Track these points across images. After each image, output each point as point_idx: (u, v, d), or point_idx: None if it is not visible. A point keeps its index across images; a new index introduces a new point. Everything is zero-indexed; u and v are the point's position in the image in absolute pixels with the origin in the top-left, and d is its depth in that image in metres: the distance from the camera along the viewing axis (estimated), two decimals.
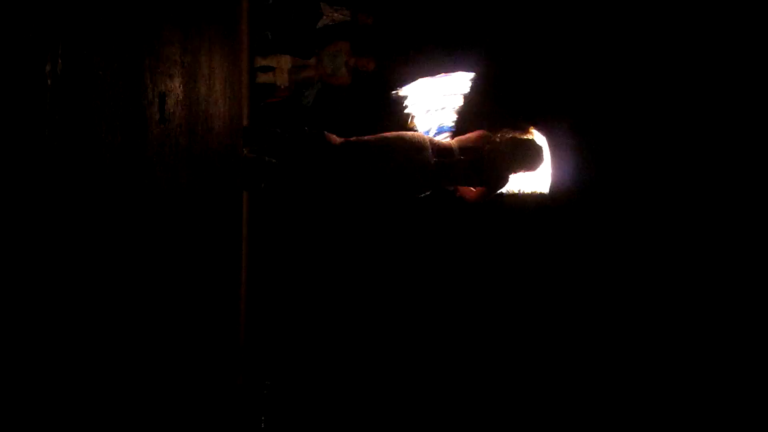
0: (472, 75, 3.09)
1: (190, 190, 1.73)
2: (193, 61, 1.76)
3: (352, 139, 3.05)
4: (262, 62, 4.17)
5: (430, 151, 2.97)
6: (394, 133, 3.03)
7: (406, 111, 3.10)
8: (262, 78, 4.18)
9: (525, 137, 3.03)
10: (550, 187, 3.15)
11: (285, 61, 4.19)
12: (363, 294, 4.99)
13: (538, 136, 3.06)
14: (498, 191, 3.05)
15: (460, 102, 3.08)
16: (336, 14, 4.24)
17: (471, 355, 5.02)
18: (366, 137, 3.04)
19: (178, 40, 1.55)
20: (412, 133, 3.05)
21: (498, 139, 3.01)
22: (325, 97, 4.44)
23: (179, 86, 1.56)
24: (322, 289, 4.94)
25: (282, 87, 4.18)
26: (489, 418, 4.92)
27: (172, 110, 1.42)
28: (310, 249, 4.89)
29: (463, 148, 3.03)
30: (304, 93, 4.29)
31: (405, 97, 3.09)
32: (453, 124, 3.16)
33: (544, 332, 4.96)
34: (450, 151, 3.01)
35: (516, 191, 3.18)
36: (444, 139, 3.09)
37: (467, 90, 3.09)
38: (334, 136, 3.04)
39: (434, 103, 3.12)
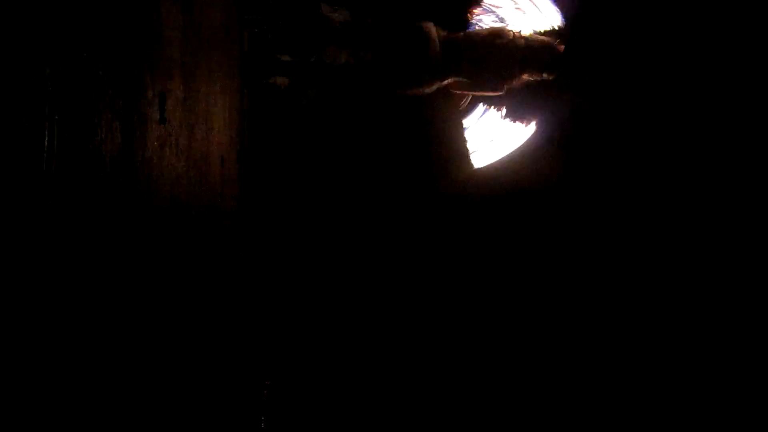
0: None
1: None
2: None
3: None
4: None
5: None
6: None
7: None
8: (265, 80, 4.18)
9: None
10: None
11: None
12: (362, 293, 4.98)
13: None
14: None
15: None
16: (335, 14, 4.23)
17: (470, 354, 5.01)
18: None
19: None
20: None
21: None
22: (326, 97, 4.43)
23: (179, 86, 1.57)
24: (322, 288, 4.93)
25: (282, 86, 4.18)
26: (489, 418, 4.91)
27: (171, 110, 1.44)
28: (309, 247, 4.88)
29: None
30: (306, 92, 4.28)
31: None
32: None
33: (541, 331, 4.96)
34: None
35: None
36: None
37: None
38: None
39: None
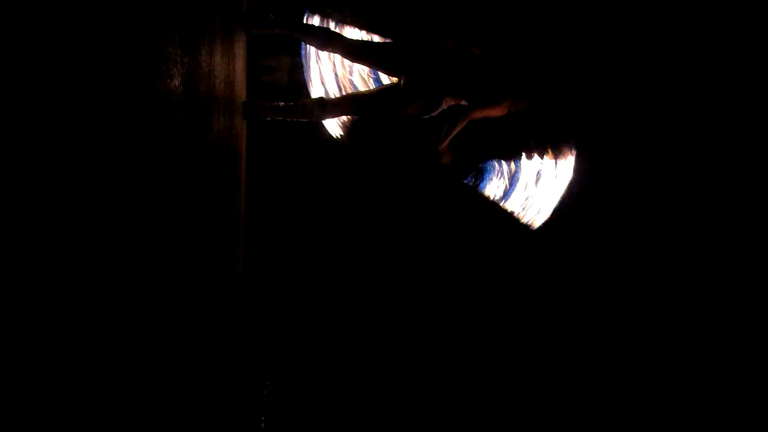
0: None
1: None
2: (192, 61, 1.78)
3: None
4: (263, 63, 4.19)
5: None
6: None
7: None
8: (263, 78, 4.20)
9: None
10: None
11: (285, 62, 4.21)
12: (363, 293, 4.99)
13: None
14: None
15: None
16: (336, 15, 4.24)
17: (471, 354, 5.02)
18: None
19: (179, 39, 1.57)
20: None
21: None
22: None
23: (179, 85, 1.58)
24: (322, 287, 4.94)
25: (282, 86, 4.20)
26: (489, 418, 4.92)
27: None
28: (309, 246, 4.89)
29: None
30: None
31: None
32: None
33: (544, 333, 4.97)
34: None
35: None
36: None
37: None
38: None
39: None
